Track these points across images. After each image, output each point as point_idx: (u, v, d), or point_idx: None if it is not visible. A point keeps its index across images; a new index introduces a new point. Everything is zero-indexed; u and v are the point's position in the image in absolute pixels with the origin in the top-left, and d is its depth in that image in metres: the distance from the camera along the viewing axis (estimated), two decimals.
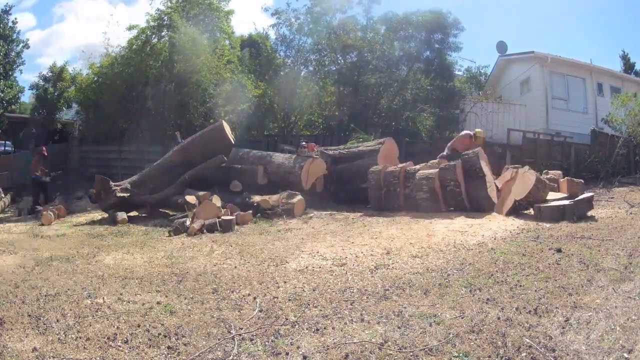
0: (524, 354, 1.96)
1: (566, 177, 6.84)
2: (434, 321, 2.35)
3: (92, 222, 7.27)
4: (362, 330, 2.30)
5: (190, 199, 7.09)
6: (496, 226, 4.96)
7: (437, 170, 6.34)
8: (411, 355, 2.00)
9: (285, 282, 3.20)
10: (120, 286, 3.26)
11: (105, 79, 13.69)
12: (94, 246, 5.09)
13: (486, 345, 2.05)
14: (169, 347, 2.19)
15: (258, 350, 2.14)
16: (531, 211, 5.73)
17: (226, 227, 5.75)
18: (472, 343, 2.08)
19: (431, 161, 7.09)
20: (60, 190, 11.08)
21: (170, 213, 7.56)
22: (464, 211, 5.91)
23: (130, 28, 13.40)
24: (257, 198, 7.11)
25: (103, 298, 2.97)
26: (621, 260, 3.31)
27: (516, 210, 5.89)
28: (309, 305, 2.70)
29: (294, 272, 3.46)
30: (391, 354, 2.03)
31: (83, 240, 5.65)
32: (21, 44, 16.58)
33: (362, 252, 3.99)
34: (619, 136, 11.64)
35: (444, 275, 3.18)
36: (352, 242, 4.47)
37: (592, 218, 5.23)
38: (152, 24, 13.11)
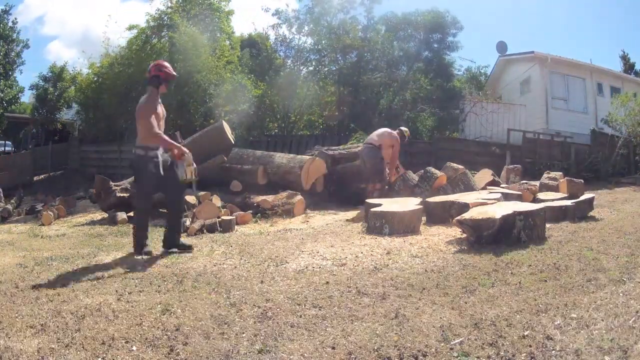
0: (524, 354, 1.96)
1: (566, 178, 6.84)
2: (434, 321, 2.35)
3: (92, 222, 7.27)
4: (362, 330, 2.30)
5: (190, 199, 7.09)
6: None
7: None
8: (411, 355, 2.00)
9: (285, 282, 3.20)
10: (120, 286, 3.26)
11: (105, 79, 13.70)
12: (94, 246, 5.09)
13: (486, 345, 2.05)
14: (169, 347, 2.19)
15: (258, 350, 2.14)
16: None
17: (226, 227, 5.75)
18: (472, 343, 2.08)
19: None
20: (60, 190, 11.07)
21: None
22: None
23: (130, 28, 13.42)
24: (257, 198, 7.11)
25: (103, 298, 2.97)
26: (621, 260, 3.31)
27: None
28: (309, 305, 2.70)
29: (294, 272, 3.47)
30: (391, 354, 2.03)
31: (83, 240, 5.65)
32: (21, 44, 16.61)
33: (362, 252, 3.99)
34: (619, 136, 11.65)
35: (444, 274, 3.18)
36: (352, 242, 4.47)
37: (593, 218, 5.24)
38: (152, 24, 13.12)
